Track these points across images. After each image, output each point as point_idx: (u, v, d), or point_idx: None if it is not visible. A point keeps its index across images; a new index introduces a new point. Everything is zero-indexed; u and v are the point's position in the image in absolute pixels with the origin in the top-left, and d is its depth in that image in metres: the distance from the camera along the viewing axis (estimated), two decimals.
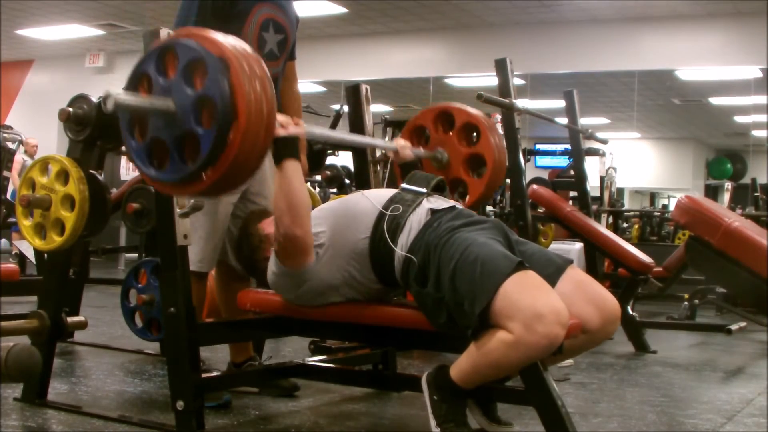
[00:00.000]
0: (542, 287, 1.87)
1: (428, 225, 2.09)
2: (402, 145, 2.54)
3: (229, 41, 1.82)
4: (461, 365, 1.96)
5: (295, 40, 2.86)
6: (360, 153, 3.16)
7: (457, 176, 2.80)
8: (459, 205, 2.21)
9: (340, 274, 2.14)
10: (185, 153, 1.80)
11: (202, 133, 1.76)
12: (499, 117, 4.72)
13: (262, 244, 2.34)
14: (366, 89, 3.17)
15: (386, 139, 5.91)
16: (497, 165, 2.77)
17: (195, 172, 1.79)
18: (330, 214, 2.21)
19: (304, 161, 2.94)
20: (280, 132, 2.04)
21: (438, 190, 2.28)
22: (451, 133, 2.81)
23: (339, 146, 5.13)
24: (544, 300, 1.82)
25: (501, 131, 4.18)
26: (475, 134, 2.82)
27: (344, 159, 5.97)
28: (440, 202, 2.19)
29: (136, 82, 1.87)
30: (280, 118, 2.05)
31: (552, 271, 2.05)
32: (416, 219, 2.11)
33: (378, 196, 2.21)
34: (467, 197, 2.81)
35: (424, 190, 2.22)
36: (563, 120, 4.80)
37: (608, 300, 2.06)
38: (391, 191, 2.25)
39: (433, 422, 1.98)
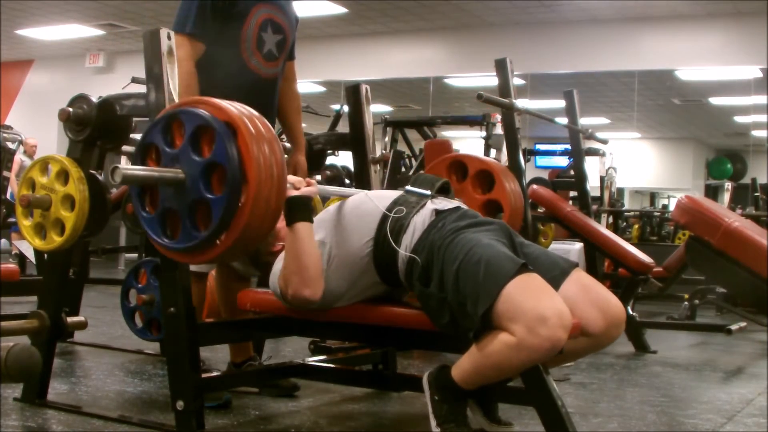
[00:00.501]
0: (546, 290, 1.87)
1: (432, 225, 2.08)
2: None
3: (234, 106, 1.82)
4: (463, 366, 1.96)
5: (295, 41, 2.87)
6: (360, 153, 3.15)
7: None
8: (464, 206, 2.21)
9: (346, 281, 2.13)
10: (197, 220, 1.82)
11: (213, 199, 1.76)
12: (499, 117, 4.73)
13: (269, 238, 2.33)
14: (366, 89, 3.17)
15: (386, 139, 5.91)
16: (514, 210, 2.79)
17: (208, 239, 1.80)
18: (334, 220, 2.18)
19: (303, 161, 2.95)
20: (292, 193, 2.03)
21: (442, 192, 2.27)
22: (465, 182, 2.82)
23: (339, 147, 5.13)
24: (547, 303, 1.81)
25: (501, 131, 4.19)
26: (489, 181, 2.83)
27: (344, 159, 5.98)
28: (445, 203, 2.17)
29: (143, 153, 1.87)
30: (292, 179, 2.05)
31: (556, 273, 2.04)
32: (420, 220, 2.10)
33: (382, 198, 2.19)
34: None
35: (428, 192, 2.21)
36: (563, 120, 4.80)
37: (613, 304, 2.05)
38: (396, 192, 2.24)
39: (433, 422, 1.98)
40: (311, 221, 2.10)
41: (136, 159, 1.88)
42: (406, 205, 2.14)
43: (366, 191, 2.28)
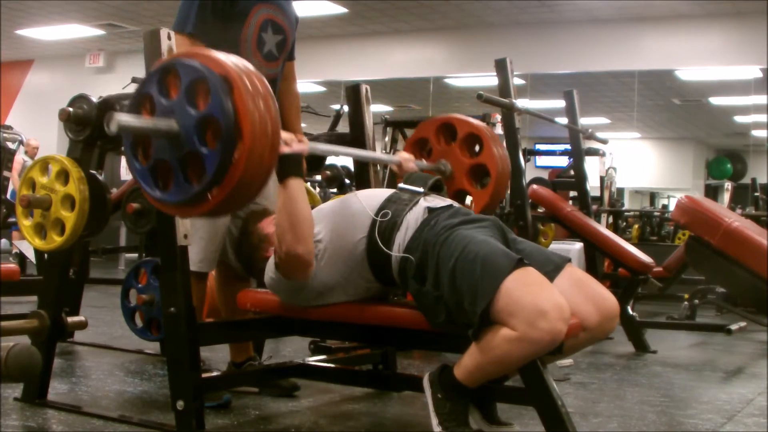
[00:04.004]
0: (543, 284, 1.88)
1: (425, 223, 2.10)
2: (405, 158, 2.56)
3: (231, 60, 1.82)
4: (465, 364, 1.97)
5: (295, 41, 2.87)
6: None
7: (461, 187, 2.81)
8: (456, 204, 2.22)
9: (340, 275, 2.14)
10: (189, 173, 1.80)
11: (207, 153, 1.75)
12: (499, 117, 4.72)
13: (262, 244, 2.34)
14: (366, 89, 3.16)
15: (386, 139, 5.90)
16: (501, 175, 2.78)
17: (200, 193, 1.79)
18: (328, 215, 2.22)
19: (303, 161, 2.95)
20: (285, 149, 2.04)
21: (435, 189, 2.28)
22: (453, 145, 2.82)
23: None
24: (546, 296, 1.83)
25: (501, 131, 4.19)
26: (477, 145, 2.83)
27: (344, 159, 5.98)
28: (437, 201, 2.20)
29: (138, 104, 1.87)
30: (285, 135, 2.05)
31: (550, 269, 2.05)
32: (413, 217, 2.12)
33: (372, 199, 2.21)
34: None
35: (421, 189, 2.23)
36: (563, 120, 4.80)
37: (606, 298, 2.07)
38: (388, 191, 2.25)
39: (434, 421, 1.98)
40: (303, 178, 2.12)
41: (131, 109, 1.88)
42: (399, 202, 2.16)
43: (356, 192, 2.29)
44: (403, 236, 2.09)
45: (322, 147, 2.33)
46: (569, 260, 2.13)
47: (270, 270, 2.19)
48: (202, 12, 2.56)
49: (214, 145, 1.76)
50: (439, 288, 1.96)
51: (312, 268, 2.11)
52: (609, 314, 2.06)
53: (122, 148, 3.19)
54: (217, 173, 1.75)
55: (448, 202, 2.21)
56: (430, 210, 2.14)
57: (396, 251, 2.08)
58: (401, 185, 2.28)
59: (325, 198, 5.55)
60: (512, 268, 1.86)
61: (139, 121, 1.80)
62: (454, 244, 1.97)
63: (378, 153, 2.79)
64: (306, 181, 3.91)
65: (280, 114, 2.90)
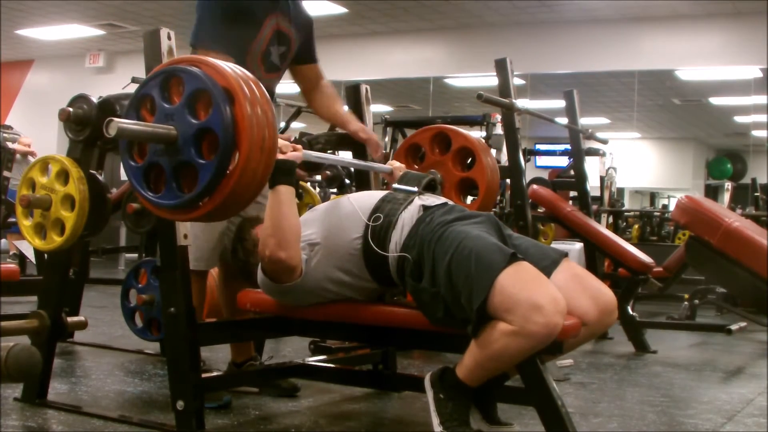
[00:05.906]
0: (538, 278, 1.89)
1: (421, 220, 2.11)
2: (397, 167, 2.59)
3: (234, 70, 1.82)
4: (465, 362, 1.97)
5: (314, 42, 2.89)
6: (360, 153, 3.15)
7: (448, 199, 2.82)
8: (450, 202, 2.24)
9: (334, 274, 2.15)
10: (182, 181, 1.81)
11: (202, 164, 1.77)
12: (499, 117, 4.73)
13: (257, 249, 2.34)
14: (366, 89, 3.17)
15: (386, 139, 5.91)
16: (489, 192, 2.82)
17: (191, 201, 1.80)
18: (323, 216, 2.23)
19: (361, 127, 2.95)
20: (278, 156, 2.05)
21: (429, 189, 2.30)
22: (446, 156, 2.84)
23: (339, 147, 5.13)
24: (541, 291, 1.84)
25: (501, 131, 4.19)
26: (469, 159, 2.85)
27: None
28: (432, 199, 2.22)
29: (139, 104, 1.87)
30: (280, 142, 2.06)
31: (547, 264, 2.06)
32: (408, 216, 2.13)
33: (366, 201, 2.21)
34: None
35: (415, 188, 2.24)
36: (563, 120, 4.81)
37: (604, 292, 2.08)
38: (382, 192, 2.27)
39: (435, 421, 1.99)
40: (293, 185, 2.13)
41: (131, 108, 1.88)
42: (394, 202, 2.18)
43: (350, 195, 2.30)
44: (399, 235, 2.10)
45: (315, 155, 2.35)
46: (566, 255, 2.13)
47: (259, 270, 2.20)
48: (214, 14, 2.56)
49: (210, 156, 1.77)
50: (435, 284, 1.97)
51: (298, 272, 2.12)
52: (607, 308, 2.06)
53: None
54: (209, 185, 1.77)
55: (442, 200, 2.23)
56: (425, 208, 2.16)
57: (393, 250, 2.09)
58: (395, 185, 2.31)
59: (325, 198, 5.55)
60: (506, 264, 1.87)
61: (138, 126, 1.80)
62: (449, 241, 1.98)
63: (370, 162, 2.82)
64: (306, 182, 3.91)
65: (326, 114, 2.93)
